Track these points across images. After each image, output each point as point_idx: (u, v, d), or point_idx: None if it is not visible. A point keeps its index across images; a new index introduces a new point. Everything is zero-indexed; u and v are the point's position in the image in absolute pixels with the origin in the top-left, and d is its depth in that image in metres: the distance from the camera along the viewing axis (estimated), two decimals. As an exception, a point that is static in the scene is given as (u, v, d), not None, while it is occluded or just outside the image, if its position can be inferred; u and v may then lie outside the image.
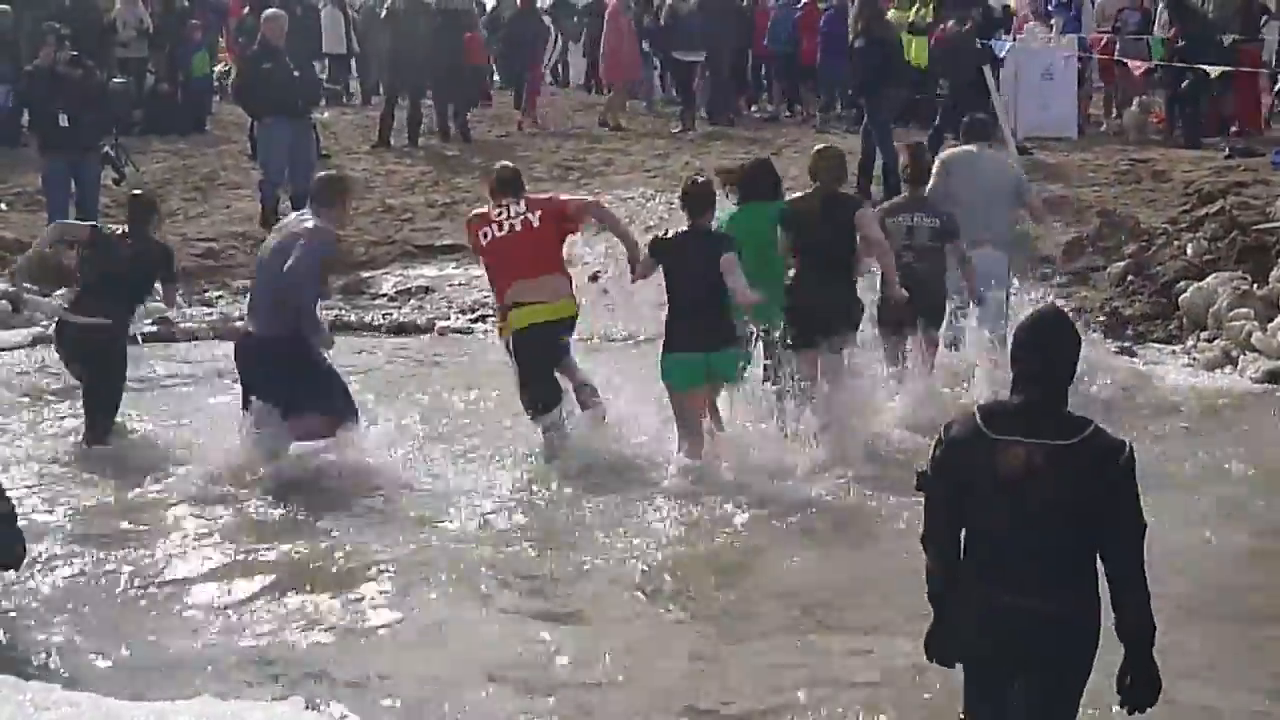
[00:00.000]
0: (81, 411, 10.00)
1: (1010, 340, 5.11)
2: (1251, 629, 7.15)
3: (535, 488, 9.37)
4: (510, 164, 10.81)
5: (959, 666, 5.11)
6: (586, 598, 7.70)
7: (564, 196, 11.16)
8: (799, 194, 10.39)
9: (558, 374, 9.98)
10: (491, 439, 10.10)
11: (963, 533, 4.92)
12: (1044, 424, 4.75)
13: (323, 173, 12.02)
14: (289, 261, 9.29)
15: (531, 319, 9.82)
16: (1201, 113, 18.62)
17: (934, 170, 11.73)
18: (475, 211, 10.75)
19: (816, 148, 10.90)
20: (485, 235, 10.07)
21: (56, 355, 10.52)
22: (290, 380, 9.49)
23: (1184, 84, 18.38)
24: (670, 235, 9.77)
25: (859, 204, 10.80)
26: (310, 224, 9.63)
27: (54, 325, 10.58)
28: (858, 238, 9.98)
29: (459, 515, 8.92)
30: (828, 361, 9.89)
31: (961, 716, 5.07)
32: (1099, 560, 4.77)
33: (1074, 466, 4.69)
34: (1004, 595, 4.77)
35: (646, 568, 8.09)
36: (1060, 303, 12.34)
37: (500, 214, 10.02)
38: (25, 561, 7.46)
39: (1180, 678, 6.01)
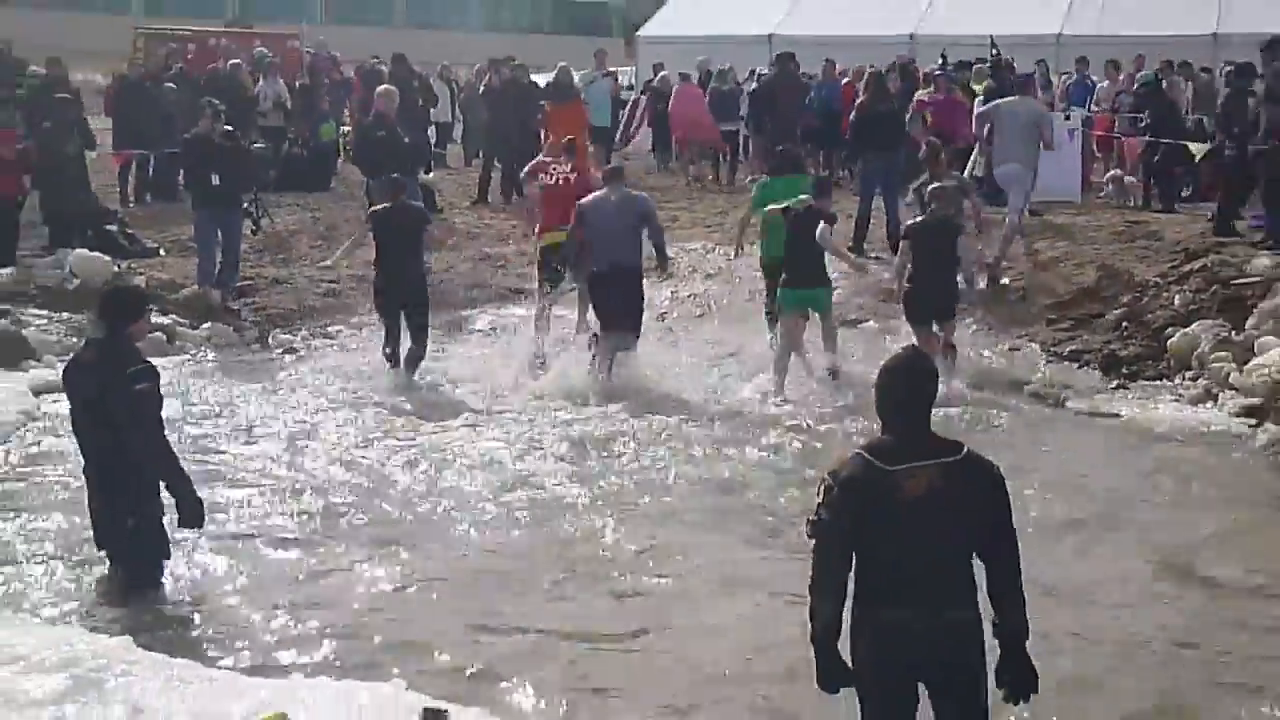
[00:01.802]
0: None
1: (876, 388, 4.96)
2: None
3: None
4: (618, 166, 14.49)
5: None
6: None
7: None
8: None
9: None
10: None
11: (852, 565, 4.75)
12: (929, 449, 4.77)
13: (613, 164, 15.25)
14: (647, 209, 12.71)
15: (552, 240, 13.05)
16: (1176, 182, 18.75)
17: (977, 116, 16.31)
18: (536, 161, 14.36)
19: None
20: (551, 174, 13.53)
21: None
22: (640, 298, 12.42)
23: (1155, 158, 18.68)
24: (787, 209, 12.11)
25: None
26: (633, 193, 12.96)
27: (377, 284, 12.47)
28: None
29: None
30: None
31: None
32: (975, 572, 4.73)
33: (963, 479, 4.71)
34: (910, 614, 4.69)
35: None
36: (1063, 344, 13.18)
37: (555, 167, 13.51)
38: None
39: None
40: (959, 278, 12.38)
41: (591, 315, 12.80)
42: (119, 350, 7.36)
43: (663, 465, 10.01)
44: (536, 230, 13.84)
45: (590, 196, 12.61)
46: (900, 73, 20.45)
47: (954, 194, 12.78)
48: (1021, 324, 13.90)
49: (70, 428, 7.76)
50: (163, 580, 7.50)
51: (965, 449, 4.79)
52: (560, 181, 13.33)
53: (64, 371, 7.94)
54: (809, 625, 4.72)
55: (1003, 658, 4.74)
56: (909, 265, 12.05)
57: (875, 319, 14.21)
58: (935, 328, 11.93)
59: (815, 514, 4.76)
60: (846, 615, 4.68)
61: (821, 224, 11.85)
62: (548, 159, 13.79)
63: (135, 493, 7.40)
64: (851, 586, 4.74)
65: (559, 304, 13.68)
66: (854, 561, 4.72)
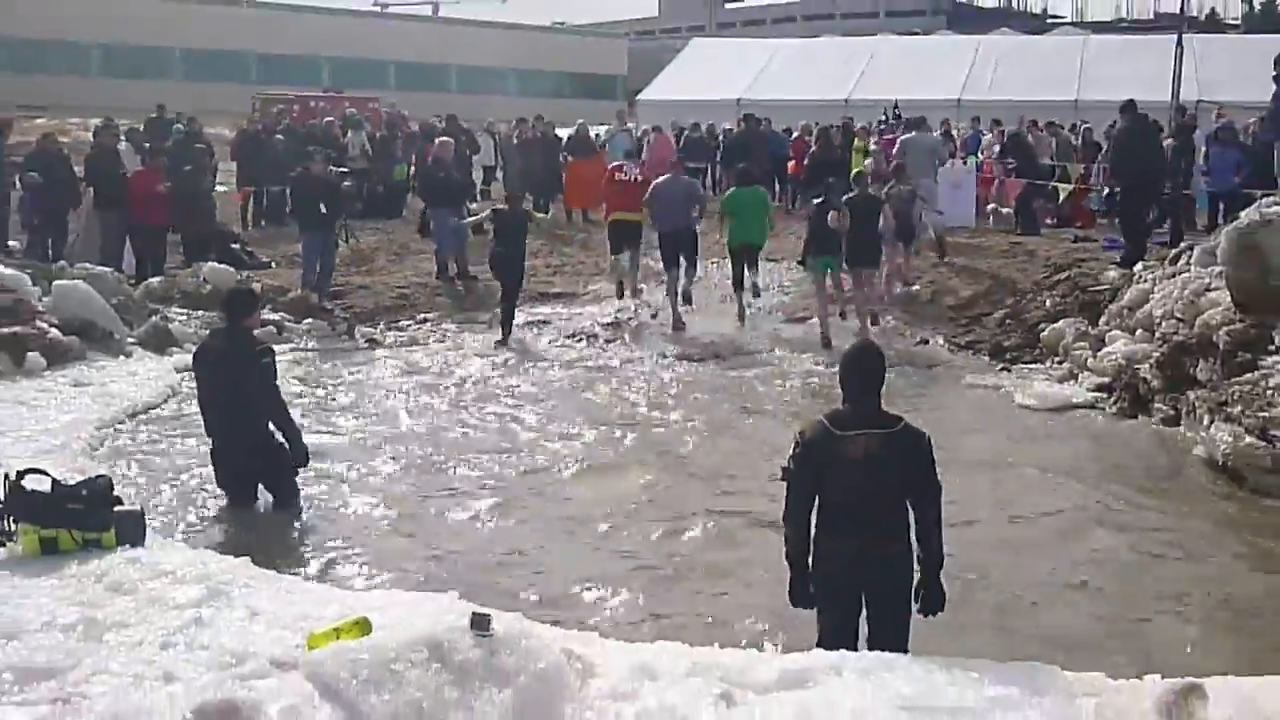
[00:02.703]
0: None
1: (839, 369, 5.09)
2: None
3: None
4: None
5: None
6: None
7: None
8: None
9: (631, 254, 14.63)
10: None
11: (814, 506, 4.81)
12: (873, 420, 4.79)
13: (675, 158, 16.71)
14: (694, 189, 14.42)
15: (618, 219, 14.55)
16: (1038, 213, 19.03)
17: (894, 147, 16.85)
18: (614, 164, 15.96)
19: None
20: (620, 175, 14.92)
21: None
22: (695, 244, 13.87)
23: (1018, 195, 19.00)
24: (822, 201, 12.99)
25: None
26: (686, 178, 14.67)
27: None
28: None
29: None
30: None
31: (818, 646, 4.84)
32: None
33: (897, 446, 4.73)
34: (850, 544, 4.73)
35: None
36: (961, 336, 13.21)
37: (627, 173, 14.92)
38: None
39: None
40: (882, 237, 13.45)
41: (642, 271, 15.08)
42: (238, 336, 7.59)
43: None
44: (605, 211, 15.48)
45: (659, 179, 14.26)
46: (843, 129, 20.85)
47: (908, 195, 14.49)
48: (930, 321, 13.98)
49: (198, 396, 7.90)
50: (297, 505, 7.64)
51: (902, 422, 4.82)
52: (633, 180, 14.70)
53: (195, 354, 8.15)
54: (784, 547, 4.83)
55: (921, 581, 4.78)
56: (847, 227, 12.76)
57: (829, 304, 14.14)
58: (864, 271, 13.32)
59: (786, 464, 4.85)
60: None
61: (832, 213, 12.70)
62: (620, 164, 15.55)
63: (251, 442, 7.54)
64: (815, 521, 4.79)
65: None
66: (815, 502, 4.77)
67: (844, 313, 13.77)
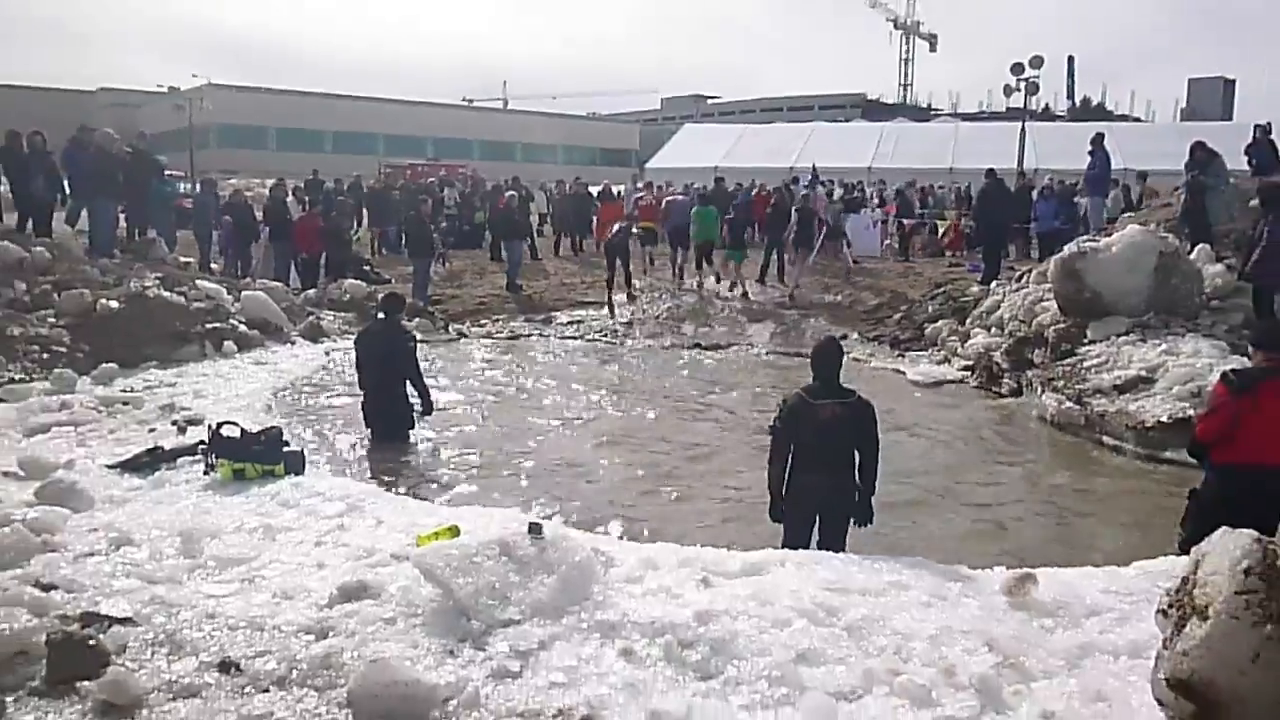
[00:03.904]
0: None
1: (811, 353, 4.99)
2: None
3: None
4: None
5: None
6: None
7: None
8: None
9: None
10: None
11: (790, 453, 4.75)
12: (836, 393, 4.77)
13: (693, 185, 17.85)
14: (693, 201, 16.02)
15: (644, 225, 16.67)
16: (916, 244, 19.08)
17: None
18: (636, 195, 18.85)
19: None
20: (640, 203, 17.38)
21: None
22: None
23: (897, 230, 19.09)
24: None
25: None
26: (684, 197, 16.65)
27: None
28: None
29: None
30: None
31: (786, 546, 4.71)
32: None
33: (851, 413, 4.70)
34: (815, 478, 4.70)
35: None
36: (869, 332, 13.00)
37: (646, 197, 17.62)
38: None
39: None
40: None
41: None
42: (395, 325, 7.73)
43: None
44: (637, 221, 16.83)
45: (670, 198, 17.24)
46: (786, 187, 20.35)
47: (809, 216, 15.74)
48: (847, 322, 13.77)
49: (355, 368, 7.85)
50: (410, 441, 7.58)
51: (856, 394, 4.79)
52: (649, 202, 17.54)
53: (357, 336, 8.23)
54: (768, 480, 4.76)
55: (859, 504, 4.75)
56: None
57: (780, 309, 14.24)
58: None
59: (772, 422, 4.81)
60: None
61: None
62: (641, 190, 18.46)
63: (392, 395, 7.55)
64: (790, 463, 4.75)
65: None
66: (791, 450, 4.73)
67: (735, 283, 15.20)
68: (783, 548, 4.68)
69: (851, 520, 4.78)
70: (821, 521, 4.77)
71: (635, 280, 15.37)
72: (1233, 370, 4.74)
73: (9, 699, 3.19)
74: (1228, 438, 4.48)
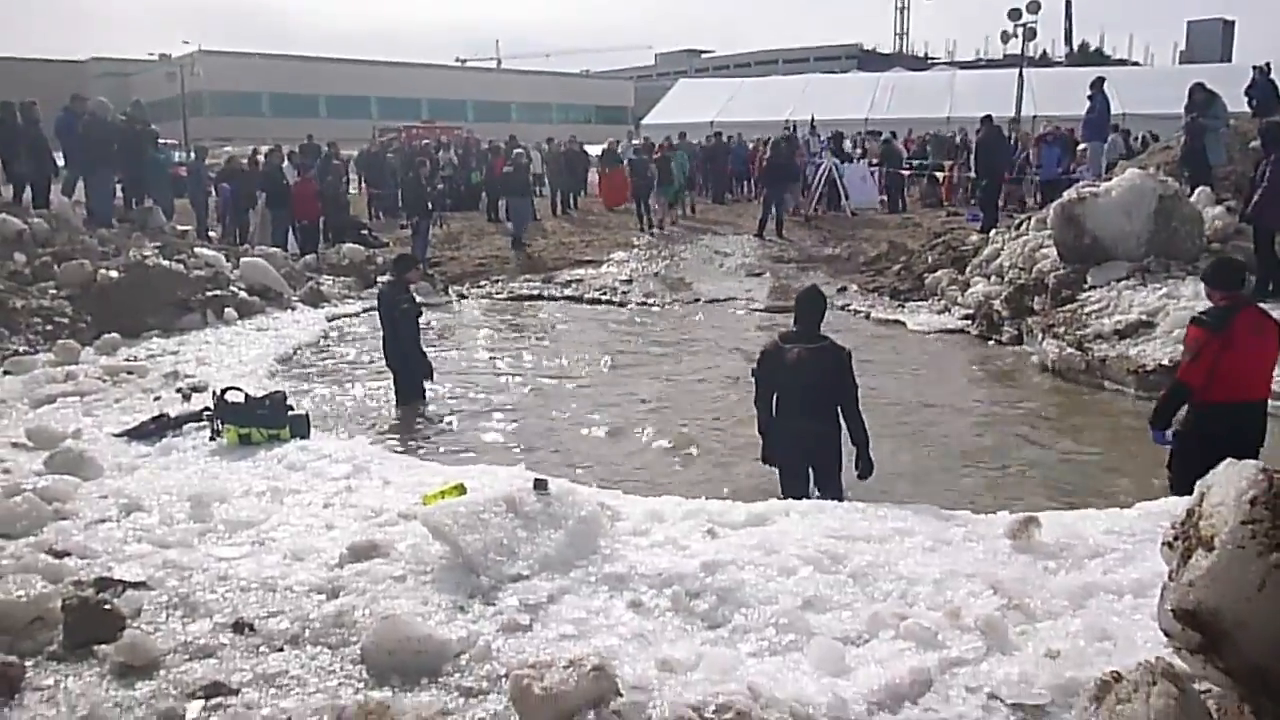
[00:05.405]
0: None
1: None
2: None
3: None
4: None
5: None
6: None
7: None
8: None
9: None
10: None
11: (774, 397, 4.77)
12: (807, 338, 4.74)
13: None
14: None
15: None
16: (915, 194, 18.98)
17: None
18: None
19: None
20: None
21: None
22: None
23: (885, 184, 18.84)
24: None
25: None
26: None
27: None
28: None
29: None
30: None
31: (780, 497, 4.70)
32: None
33: (821, 358, 4.66)
34: (797, 423, 4.70)
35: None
36: (870, 283, 12.88)
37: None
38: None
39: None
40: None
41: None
42: (402, 286, 7.56)
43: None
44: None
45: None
46: (786, 140, 19.90)
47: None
48: (847, 274, 13.71)
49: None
50: (426, 398, 7.53)
51: (828, 340, 4.76)
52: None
53: (379, 294, 8.04)
54: (757, 421, 4.79)
55: (856, 456, 4.73)
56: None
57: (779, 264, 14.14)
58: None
59: (754, 367, 4.84)
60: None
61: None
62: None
63: (402, 356, 7.45)
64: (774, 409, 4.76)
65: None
66: (773, 394, 4.74)
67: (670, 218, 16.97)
68: (782, 499, 4.67)
69: (856, 472, 4.75)
70: (814, 471, 4.78)
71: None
72: (1203, 311, 4.69)
73: (29, 663, 3.21)
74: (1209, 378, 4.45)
